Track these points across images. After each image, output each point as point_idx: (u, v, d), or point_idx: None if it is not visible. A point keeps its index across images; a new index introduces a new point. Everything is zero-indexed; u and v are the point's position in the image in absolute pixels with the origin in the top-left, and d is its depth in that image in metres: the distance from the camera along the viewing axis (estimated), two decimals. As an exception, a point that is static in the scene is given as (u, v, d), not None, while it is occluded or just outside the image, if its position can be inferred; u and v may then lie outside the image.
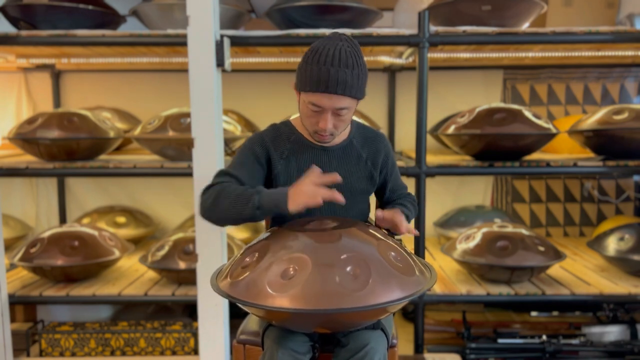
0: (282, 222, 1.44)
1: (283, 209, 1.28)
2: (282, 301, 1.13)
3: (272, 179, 1.46)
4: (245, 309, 1.22)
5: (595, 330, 2.71)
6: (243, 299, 1.18)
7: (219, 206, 1.33)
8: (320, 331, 1.30)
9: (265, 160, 1.44)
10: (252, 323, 1.52)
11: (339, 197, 1.28)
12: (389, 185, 1.56)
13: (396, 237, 1.48)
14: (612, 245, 2.65)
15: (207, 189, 1.39)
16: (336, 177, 1.31)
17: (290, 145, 1.45)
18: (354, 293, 1.13)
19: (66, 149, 2.53)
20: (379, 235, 1.31)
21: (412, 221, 1.53)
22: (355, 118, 1.57)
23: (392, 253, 1.26)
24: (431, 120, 3.10)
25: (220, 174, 1.42)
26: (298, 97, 1.39)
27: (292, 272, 1.17)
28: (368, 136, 1.52)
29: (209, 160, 2.17)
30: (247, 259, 1.28)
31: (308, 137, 1.46)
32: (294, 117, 1.53)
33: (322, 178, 1.29)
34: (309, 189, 1.27)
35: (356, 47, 1.35)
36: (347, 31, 2.38)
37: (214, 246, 2.20)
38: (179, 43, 2.40)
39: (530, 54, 2.98)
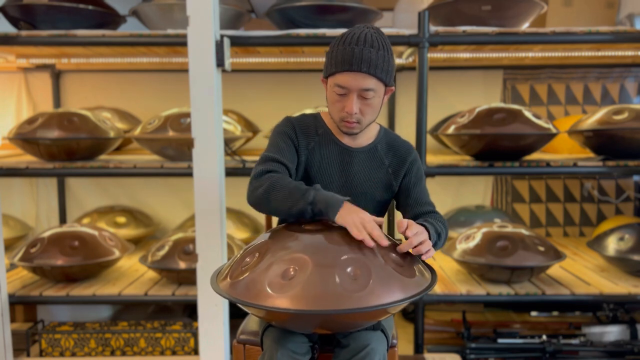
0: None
1: (332, 212, 1.26)
2: (282, 302, 1.13)
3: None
4: (245, 309, 1.22)
5: (595, 330, 2.71)
6: (243, 299, 1.17)
7: (271, 197, 1.31)
8: (320, 332, 1.30)
9: (295, 144, 1.43)
10: (252, 323, 1.52)
11: (383, 243, 1.23)
12: (413, 194, 1.47)
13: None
14: (612, 245, 2.65)
15: (259, 175, 1.35)
16: (382, 240, 1.23)
17: (317, 138, 1.45)
18: (354, 294, 1.13)
19: (66, 149, 2.53)
20: None
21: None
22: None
23: (393, 254, 1.26)
24: (431, 120, 3.10)
25: (267, 159, 1.38)
26: (326, 88, 1.39)
27: (292, 273, 1.17)
28: (394, 144, 1.49)
29: (209, 160, 2.17)
30: (247, 259, 1.28)
31: (335, 133, 1.46)
32: (325, 111, 1.51)
33: (373, 224, 1.24)
34: (362, 219, 1.24)
35: (383, 35, 1.36)
36: (347, 31, 2.38)
37: (214, 246, 2.20)
38: (179, 43, 2.40)
39: (530, 54, 2.98)
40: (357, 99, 1.33)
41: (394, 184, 1.47)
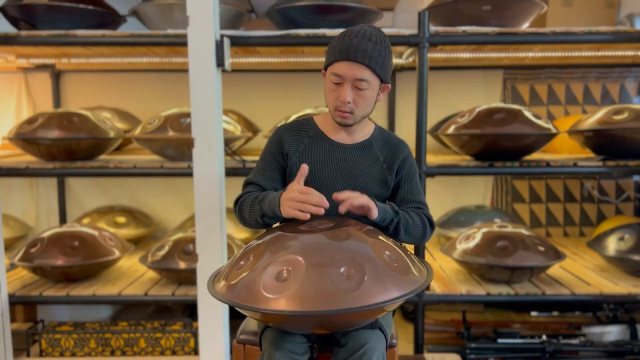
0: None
1: (278, 212, 1.34)
2: (276, 303, 1.13)
3: (287, 170, 1.50)
4: (241, 311, 1.23)
5: (595, 330, 2.71)
6: (239, 301, 1.17)
7: (243, 217, 1.45)
8: (318, 332, 1.30)
9: (283, 155, 1.49)
10: (252, 323, 1.52)
11: (325, 203, 1.30)
12: (400, 192, 1.51)
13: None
14: (612, 245, 2.65)
15: (236, 202, 1.49)
16: (304, 169, 1.35)
17: (308, 140, 1.49)
18: (349, 293, 1.12)
19: (66, 149, 2.53)
20: (374, 235, 1.31)
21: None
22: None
23: (387, 252, 1.25)
24: (431, 120, 3.10)
25: (245, 183, 1.52)
26: (325, 81, 1.44)
27: (285, 274, 1.17)
28: (389, 141, 1.52)
29: (209, 160, 2.17)
30: (242, 262, 1.28)
31: (328, 133, 1.49)
32: (317, 114, 1.59)
33: (306, 193, 1.30)
34: (295, 199, 1.30)
35: (384, 35, 1.41)
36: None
37: (214, 246, 2.20)
38: (179, 43, 2.40)
39: (530, 54, 2.98)
40: (351, 89, 1.38)
41: (389, 179, 1.49)
